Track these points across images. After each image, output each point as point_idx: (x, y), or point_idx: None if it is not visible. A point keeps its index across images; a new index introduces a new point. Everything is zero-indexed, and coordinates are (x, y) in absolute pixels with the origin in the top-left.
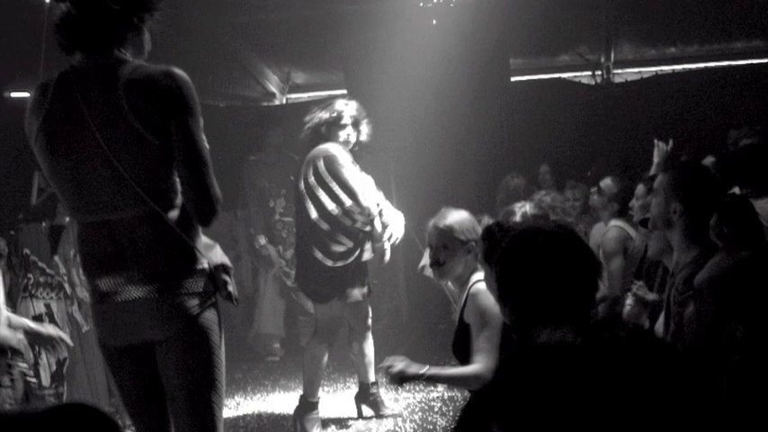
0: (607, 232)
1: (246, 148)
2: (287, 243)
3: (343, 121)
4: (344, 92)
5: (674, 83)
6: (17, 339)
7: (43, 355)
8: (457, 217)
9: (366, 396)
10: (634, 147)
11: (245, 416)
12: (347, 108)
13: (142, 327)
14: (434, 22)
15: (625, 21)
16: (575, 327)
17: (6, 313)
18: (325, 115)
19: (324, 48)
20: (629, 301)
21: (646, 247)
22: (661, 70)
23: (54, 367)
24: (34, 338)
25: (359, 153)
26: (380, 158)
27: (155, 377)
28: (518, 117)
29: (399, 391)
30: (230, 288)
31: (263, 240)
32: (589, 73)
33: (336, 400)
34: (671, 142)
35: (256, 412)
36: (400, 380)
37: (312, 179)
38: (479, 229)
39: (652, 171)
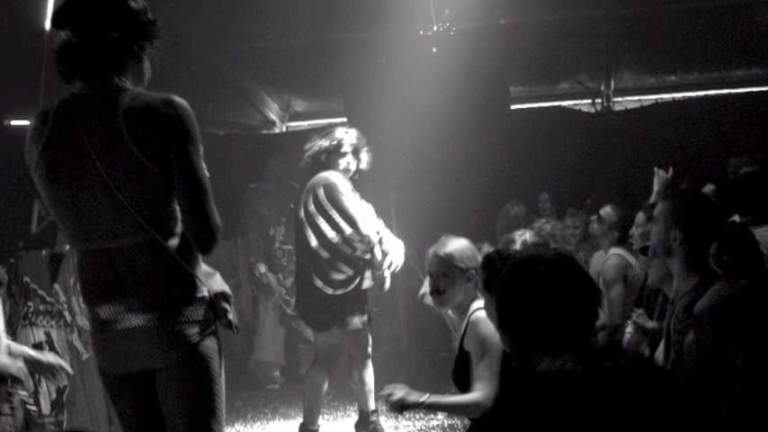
0: (607, 260)
1: (246, 176)
2: (287, 271)
3: (343, 149)
4: (344, 120)
5: (674, 111)
6: (17, 367)
7: (43, 383)
8: (457, 245)
9: (366, 424)
10: (634, 175)
11: None
12: (347, 136)
13: (142, 355)
14: (434, 50)
15: (625, 49)
16: (575, 355)
17: (6, 341)
18: (325, 143)
19: (324, 76)
20: (629, 329)
21: (646, 274)
22: (661, 98)
23: (54, 395)
24: (34, 366)
25: (359, 181)
26: (380, 186)
27: (155, 405)
28: (518, 145)
29: (399, 419)
30: (230, 316)
31: (263, 268)
32: (589, 101)
33: (336, 428)
34: (671, 170)
35: None
36: (400, 408)
37: (312, 207)
38: (479, 257)
39: (652, 199)
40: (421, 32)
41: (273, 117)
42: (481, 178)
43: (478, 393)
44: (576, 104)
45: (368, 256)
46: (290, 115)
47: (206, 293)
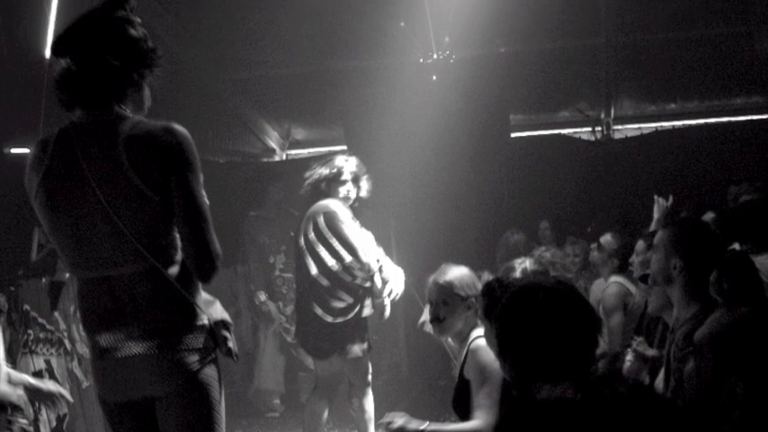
0: (607, 288)
1: (246, 204)
2: (287, 299)
3: (343, 177)
4: (344, 148)
5: (674, 139)
6: (17, 395)
7: (43, 411)
8: (457, 273)
9: None
10: (634, 203)
11: None
12: (347, 164)
13: (142, 383)
14: (434, 78)
15: (625, 77)
16: (575, 383)
17: (6, 369)
18: (325, 171)
19: (324, 104)
20: (629, 357)
21: (646, 302)
22: (661, 126)
23: (54, 423)
24: (34, 394)
25: (359, 209)
26: (380, 214)
27: None
28: (518, 173)
29: None
30: (230, 344)
31: (263, 296)
32: (589, 129)
33: None
34: (671, 198)
35: None
36: None
37: (312, 235)
38: (479, 285)
39: (652, 227)
40: (421, 60)
41: (273, 145)
42: (481, 206)
43: (479, 421)
44: (576, 132)
45: (368, 284)
46: (290, 143)
47: (206, 321)
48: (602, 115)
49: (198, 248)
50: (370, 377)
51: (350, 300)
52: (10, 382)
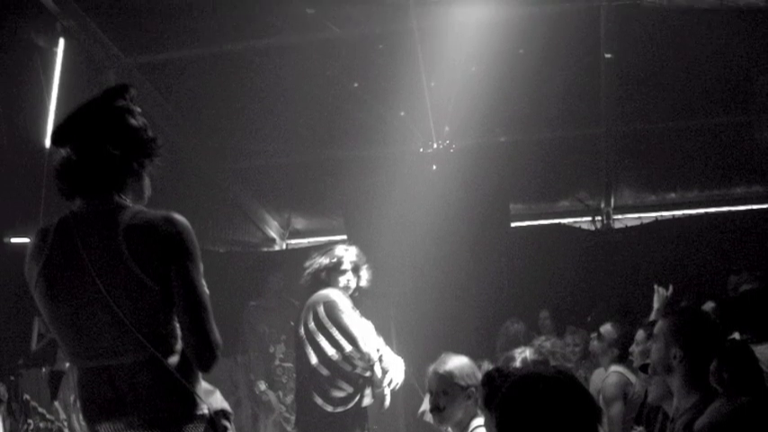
0: (607, 378)
1: (246, 294)
2: (287, 388)
3: (343, 267)
4: (344, 237)
5: (674, 228)
6: None
7: None
8: (457, 362)
9: None
10: (634, 292)
11: None
12: (347, 254)
13: None
14: (434, 167)
15: (625, 166)
16: None
17: None
18: (325, 261)
19: (324, 193)
20: None
21: (646, 392)
22: (661, 216)
23: None
24: None
25: (359, 298)
26: (380, 304)
27: None
28: (518, 262)
29: None
30: None
31: (263, 386)
32: (589, 218)
33: None
34: (671, 288)
35: None
36: None
37: (312, 325)
38: (479, 375)
39: (652, 317)
40: (421, 150)
41: (273, 234)
42: (481, 295)
43: None
44: (576, 222)
45: (368, 374)
46: (290, 233)
47: (206, 411)
48: (602, 205)
49: (198, 338)
50: None
51: (350, 389)
52: None
